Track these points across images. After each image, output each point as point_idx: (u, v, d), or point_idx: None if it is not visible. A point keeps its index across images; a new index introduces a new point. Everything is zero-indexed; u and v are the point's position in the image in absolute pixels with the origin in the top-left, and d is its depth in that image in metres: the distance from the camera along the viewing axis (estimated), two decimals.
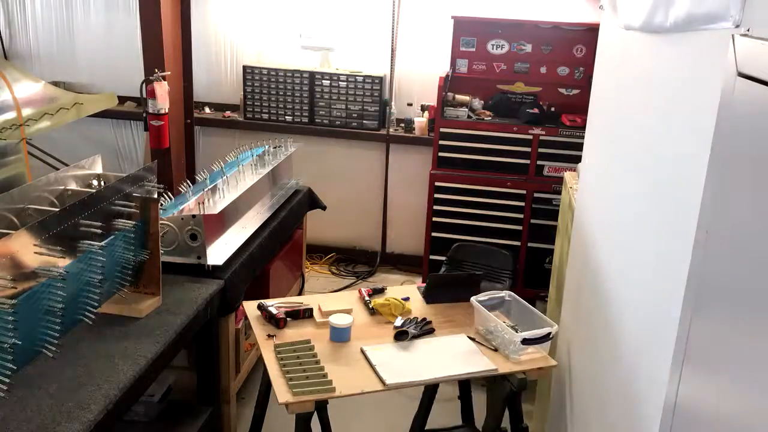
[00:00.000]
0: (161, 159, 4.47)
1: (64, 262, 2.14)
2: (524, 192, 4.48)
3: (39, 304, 2.04)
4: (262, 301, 2.72)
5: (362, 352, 2.47)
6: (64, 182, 2.56)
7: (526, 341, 2.44)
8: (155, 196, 2.65)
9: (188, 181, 3.20)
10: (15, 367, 1.91)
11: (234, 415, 3.14)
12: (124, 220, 2.48)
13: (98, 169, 2.74)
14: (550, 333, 2.48)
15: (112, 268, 2.44)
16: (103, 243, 2.32)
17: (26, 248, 1.99)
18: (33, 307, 2.02)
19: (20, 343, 1.90)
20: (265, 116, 5.14)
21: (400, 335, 2.57)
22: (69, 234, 2.18)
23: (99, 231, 2.29)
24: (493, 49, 4.61)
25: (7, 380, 1.88)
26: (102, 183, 2.68)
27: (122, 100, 5.17)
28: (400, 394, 3.37)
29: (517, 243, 4.56)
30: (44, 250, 2.04)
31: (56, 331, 2.09)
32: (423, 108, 4.99)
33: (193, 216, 2.91)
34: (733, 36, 1.12)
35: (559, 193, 4.04)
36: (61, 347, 2.17)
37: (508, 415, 2.57)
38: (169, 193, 3.14)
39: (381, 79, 4.93)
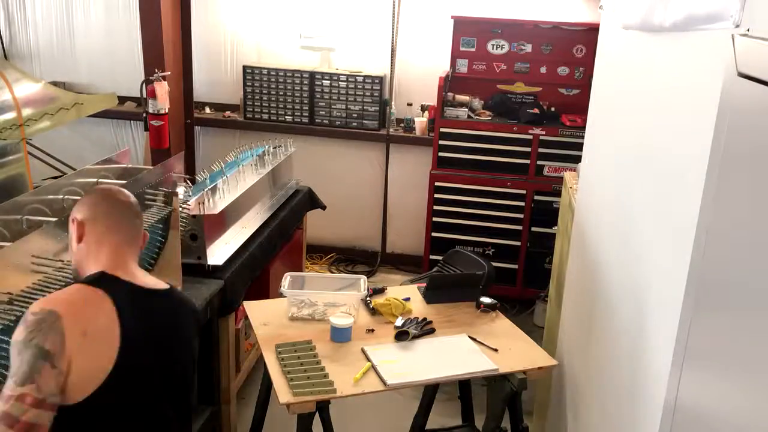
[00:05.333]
0: (161, 159, 4.46)
1: None
2: (524, 192, 4.48)
3: None
4: None
5: (363, 352, 2.47)
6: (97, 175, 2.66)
7: None
8: (176, 189, 2.74)
9: (188, 181, 3.21)
10: None
11: (234, 415, 3.14)
12: (153, 211, 2.56)
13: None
14: None
15: (142, 256, 2.49)
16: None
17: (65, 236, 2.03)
18: None
19: None
20: (265, 116, 5.14)
21: (401, 335, 2.57)
22: None
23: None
24: (493, 49, 4.61)
25: None
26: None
27: (122, 100, 5.17)
28: (400, 394, 3.37)
29: (517, 243, 4.56)
30: None
31: None
32: (423, 108, 4.98)
33: (193, 216, 2.91)
34: (733, 36, 1.12)
35: (559, 193, 4.04)
36: None
37: (508, 415, 2.57)
38: (189, 182, 3.20)
39: (381, 79, 4.93)
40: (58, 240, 2.00)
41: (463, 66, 4.67)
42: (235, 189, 3.44)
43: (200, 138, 5.34)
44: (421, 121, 4.95)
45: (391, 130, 5.03)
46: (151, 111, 4.32)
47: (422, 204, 4.76)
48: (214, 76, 5.28)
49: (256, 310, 2.78)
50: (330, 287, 2.86)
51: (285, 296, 2.75)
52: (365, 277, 2.94)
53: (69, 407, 1.49)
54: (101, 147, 5.18)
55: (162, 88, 4.30)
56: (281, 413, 2.31)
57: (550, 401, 2.88)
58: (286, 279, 2.81)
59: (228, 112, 5.27)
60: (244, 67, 5.06)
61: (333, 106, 5.03)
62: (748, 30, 1.10)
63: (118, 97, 4.80)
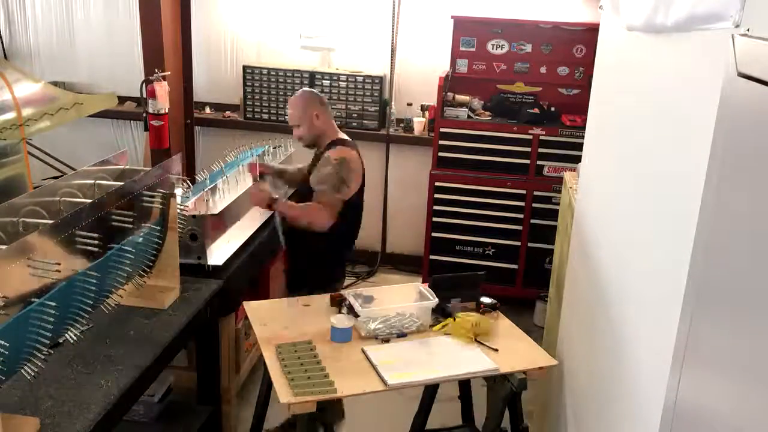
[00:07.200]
0: (161, 159, 4.45)
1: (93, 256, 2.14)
2: (524, 192, 4.48)
3: (72, 292, 2.04)
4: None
5: (363, 352, 2.47)
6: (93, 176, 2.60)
7: None
8: (173, 191, 2.72)
9: (188, 181, 3.20)
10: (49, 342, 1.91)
11: (234, 415, 3.14)
12: (151, 213, 2.54)
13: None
14: None
15: (137, 261, 2.48)
16: (130, 237, 2.37)
17: (63, 238, 2.00)
18: (67, 296, 2.01)
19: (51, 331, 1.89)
20: (265, 116, 5.14)
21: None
22: (99, 226, 2.21)
23: (129, 224, 2.34)
24: (493, 49, 4.61)
25: (45, 350, 1.89)
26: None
27: (122, 100, 5.17)
28: (400, 394, 3.37)
29: (517, 243, 4.56)
30: (78, 241, 2.07)
31: (82, 318, 2.10)
32: (423, 108, 4.98)
33: (193, 216, 2.91)
34: (733, 36, 1.12)
35: (559, 193, 4.04)
36: (60, 348, 2.17)
37: (508, 415, 2.57)
38: (189, 182, 3.19)
39: (381, 79, 4.93)
40: (55, 242, 1.98)
41: (463, 66, 4.67)
42: (235, 189, 3.44)
43: (200, 138, 5.34)
44: (419, 121, 4.95)
45: (391, 130, 5.03)
46: (151, 111, 4.32)
47: (422, 204, 4.76)
48: (214, 76, 5.28)
49: (256, 310, 2.78)
50: (396, 299, 2.80)
51: (359, 316, 2.62)
52: (420, 283, 2.86)
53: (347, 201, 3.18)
54: (101, 147, 5.17)
55: (162, 88, 4.30)
56: (281, 413, 2.32)
57: (550, 401, 2.88)
58: (350, 298, 2.70)
59: (228, 112, 5.27)
60: (244, 67, 5.06)
61: (333, 106, 5.02)
62: (748, 30, 1.10)
63: (118, 97, 4.80)
